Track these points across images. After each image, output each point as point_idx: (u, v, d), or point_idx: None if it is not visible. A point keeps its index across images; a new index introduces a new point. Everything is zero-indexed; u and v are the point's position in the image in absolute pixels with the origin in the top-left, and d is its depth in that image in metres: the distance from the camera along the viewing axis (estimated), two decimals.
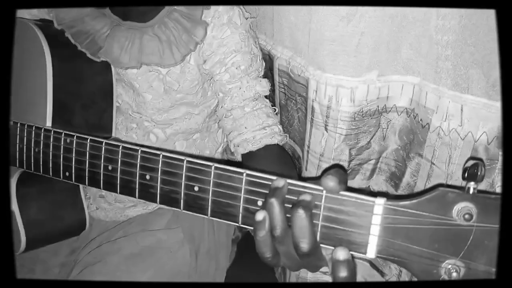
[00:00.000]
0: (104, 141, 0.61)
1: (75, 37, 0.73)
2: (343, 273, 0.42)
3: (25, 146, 0.70)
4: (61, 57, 0.71)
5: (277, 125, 0.76)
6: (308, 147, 0.74)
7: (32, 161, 0.70)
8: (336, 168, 0.47)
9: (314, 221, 0.45)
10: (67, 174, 0.66)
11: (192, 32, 0.72)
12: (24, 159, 0.71)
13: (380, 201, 0.43)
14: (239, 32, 0.75)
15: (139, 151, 0.56)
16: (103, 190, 0.82)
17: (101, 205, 0.86)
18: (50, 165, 0.67)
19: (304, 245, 0.43)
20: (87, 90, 0.76)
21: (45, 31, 0.72)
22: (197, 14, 0.73)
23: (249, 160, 0.74)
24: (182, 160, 0.53)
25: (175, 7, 0.73)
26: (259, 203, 0.48)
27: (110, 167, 0.60)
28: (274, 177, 0.48)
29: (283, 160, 0.74)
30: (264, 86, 0.77)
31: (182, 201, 0.55)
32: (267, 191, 0.47)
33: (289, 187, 0.46)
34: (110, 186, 0.61)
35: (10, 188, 0.74)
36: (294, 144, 0.83)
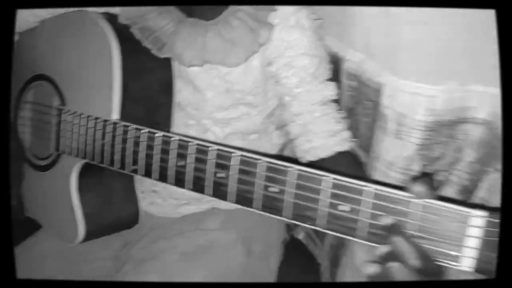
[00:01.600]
0: (178, 137, 0.60)
1: (140, 33, 0.73)
2: None
3: (91, 138, 0.70)
4: (126, 51, 0.71)
5: (346, 130, 0.74)
6: (376, 154, 0.72)
7: (98, 153, 0.70)
8: (425, 177, 0.46)
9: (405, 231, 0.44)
10: (135, 167, 0.65)
11: (257, 33, 0.71)
12: (90, 150, 0.71)
13: (478, 213, 0.42)
14: (307, 34, 0.74)
15: (215, 148, 0.56)
16: (157, 186, 0.83)
17: (154, 200, 0.85)
18: (118, 158, 0.67)
19: (416, 262, 0.43)
20: (148, 85, 0.75)
21: (112, 25, 0.72)
22: (263, 15, 0.72)
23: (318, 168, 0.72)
24: (262, 160, 0.52)
25: (240, 6, 0.72)
26: (340, 207, 0.48)
27: (182, 163, 0.60)
28: (359, 182, 0.47)
29: (355, 167, 0.73)
30: (331, 90, 0.75)
31: (259, 201, 0.53)
32: (351, 195, 0.47)
33: (377, 192, 0.45)
34: (180, 182, 0.60)
35: (70, 179, 0.75)
36: (358, 149, 0.81)
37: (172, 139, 0.60)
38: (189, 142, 0.58)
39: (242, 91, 0.76)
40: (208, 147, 0.57)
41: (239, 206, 0.55)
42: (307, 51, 0.73)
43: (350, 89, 0.78)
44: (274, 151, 0.90)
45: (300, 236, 1.12)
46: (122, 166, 0.67)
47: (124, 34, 0.72)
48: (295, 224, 1.05)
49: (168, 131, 0.75)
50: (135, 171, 0.65)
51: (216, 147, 0.56)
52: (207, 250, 0.80)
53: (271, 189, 0.52)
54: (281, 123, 0.90)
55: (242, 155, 0.54)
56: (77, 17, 0.75)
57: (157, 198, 0.85)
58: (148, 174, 0.64)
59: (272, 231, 0.90)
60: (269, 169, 0.52)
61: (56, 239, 0.82)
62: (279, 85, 0.76)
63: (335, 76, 0.80)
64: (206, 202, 0.85)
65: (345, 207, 0.48)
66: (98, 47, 0.71)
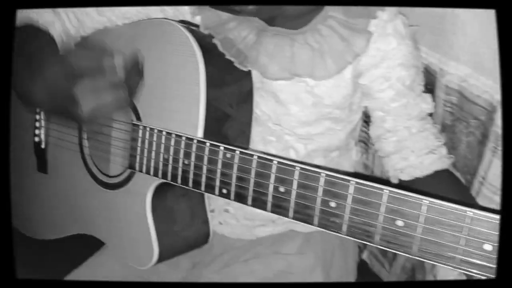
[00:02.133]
0: (276, 159, 0.55)
1: (222, 45, 0.68)
2: None
3: (171, 157, 0.65)
4: (211, 64, 0.66)
5: (444, 147, 0.68)
6: (483, 178, 0.66)
7: (180, 173, 0.65)
8: None
9: None
10: (224, 191, 0.60)
11: (351, 42, 0.65)
12: (170, 171, 0.66)
13: None
14: (405, 43, 0.68)
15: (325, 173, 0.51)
16: (230, 205, 0.78)
17: (227, 220, 0.80)
18: (203, 179, 0.62)
19: None
20: (229, 99, 0.70)
21: (195, 35, 0.67)
22: (360, 23, 0.66)
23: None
24: (320, 173, 0.51)
25: (331, 13, 0.66)
26: (398, 222, 0.47)
27: (282, 189, 0.54)
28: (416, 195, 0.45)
29: (457, 187, 0.67)
30: (428, 103, 0.69)
31: (316, 217, 0.52)
32: (407, 209, 0.46)
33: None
34: (280, 209, 0.55)
35: (146, 199, 0.70)
36: (454, 170, 0.75)
37: (274, 162, 0.55)
38: (294, 166, 0.53)
39: (330, 105, 0.70)
40: (317, 172, 0.51)
41: (315, 228, 0.53)
42: (405, 61, 0.67)
43: (449, 105, 0.72)
44: (351, 169, 0.84)
45: (364, 255, 1.07)
46: (210, 189, 0.62)
47: (208, 45, 0.67)
48: (364, 245, 1.01)
49: (246, 148, 0.70)
50: (225, 195, 0.60)
51: (325, 172, 0.51)
52: (287, 276, 0.75)
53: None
54: (361, 139, 0.84)
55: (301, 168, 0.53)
56: (156, 25, 0.70)
57: (230, 219, 0.80)
58: (241, 199, 0.59)
59: (348, 254, 0.85)
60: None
61: (121, 260, 0.78)
62: (372, 98, 0.70)
63: (427, 89, 0.74)
64: (281, 224, 0.79)
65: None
66: (181, 58, 0.66)
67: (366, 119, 0.81)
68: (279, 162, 0.55)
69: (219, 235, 0.82)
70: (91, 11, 0.73)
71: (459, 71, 0.67)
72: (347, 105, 0.72)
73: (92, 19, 0.74)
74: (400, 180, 0.71)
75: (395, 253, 0.96)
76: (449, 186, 0.67)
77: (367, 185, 0.48)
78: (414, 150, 0.68)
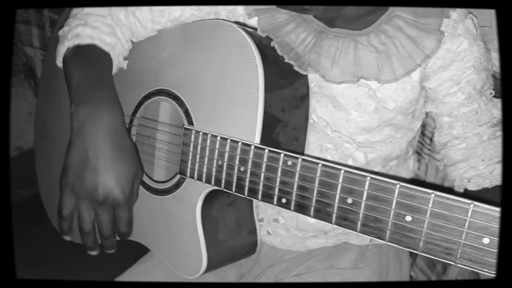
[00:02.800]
0: (343, 168, 0.51)
1: (280, 48, 0.65)
2: None
3: (225, 163, 0.62)
4: (268, 67, 0.63)
5: None
6: None
7: (234, 181, 0.62)
8: None
9: None
10: (283, 200, 0.57)
11: (420, 43, 0.61)
12: (224, 178, 0.63)
13: None
14: (477, 44, 0.64)
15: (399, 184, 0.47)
16: (280, 214, 0.75)
17: (276, 230, 0.77)
18: (260, 188, 0.59)
19: None
20: (282, 103, 0.67)
21: (253, 37, 0.64)
22: (431, 23, 0.61)
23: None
24: (395, 185, 0.47)
25: (398, 13, 0.62)
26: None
27: (350, 200, 0.51)
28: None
29: None
30: (499, 108, 0.65)
31: (388, 232, 0.48)
32: (453, 214, 0.44)
33: None
34: (347, 222, 0.52)
35: (197, 207, 0.68)
36: None
37: (341, 171, 0.51)
38: (365, 176, 0.49)
39: (394, 110, 0.66)
40: (392, 183, 0.48)
41: (371, 240, 0.54)
42: (476, 63, 0.63)
43: None
44: (409, 177, 0.80)
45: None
46: (267, 198, 0.58)
47: (265, 48, 0.64)
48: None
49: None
50: (284, 205, 0.57)
51: (401, 183, 0.47)
52: None
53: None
54: (419, 146, 0.80)
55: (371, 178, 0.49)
56: (212, 26, 0.68)
57: (280, 229, 0.76)
58: (302, 209, 0.55)
59: (403, 267, 0.80)
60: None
61: (168, 268, 0.75)
62: (439, 103, 0.66)
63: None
64: (334, 235, 0.75)
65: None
66: (239, 61, 0.63)
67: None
68: (346, 171, 0.51)
69: (268, 245, 0.79)
70: (146, 21, 0.71)
71: None
72: (411, 111, 0.67)
73: (145, 28, 0.72)
74: (467, 190, 0.67)
75: (444, 267, 0.92)
76: None
77: (450, 199, 0.44)
78: (484, 158, 0.64)
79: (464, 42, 0.63)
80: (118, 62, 0.72)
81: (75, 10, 0.71)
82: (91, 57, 0.67)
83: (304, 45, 0.64)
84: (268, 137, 0.64)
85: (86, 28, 0.67)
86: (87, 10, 0.69)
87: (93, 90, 0.63)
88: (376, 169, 0.71)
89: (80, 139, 0.60)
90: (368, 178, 0.49)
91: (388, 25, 0.62)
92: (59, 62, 0.68)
